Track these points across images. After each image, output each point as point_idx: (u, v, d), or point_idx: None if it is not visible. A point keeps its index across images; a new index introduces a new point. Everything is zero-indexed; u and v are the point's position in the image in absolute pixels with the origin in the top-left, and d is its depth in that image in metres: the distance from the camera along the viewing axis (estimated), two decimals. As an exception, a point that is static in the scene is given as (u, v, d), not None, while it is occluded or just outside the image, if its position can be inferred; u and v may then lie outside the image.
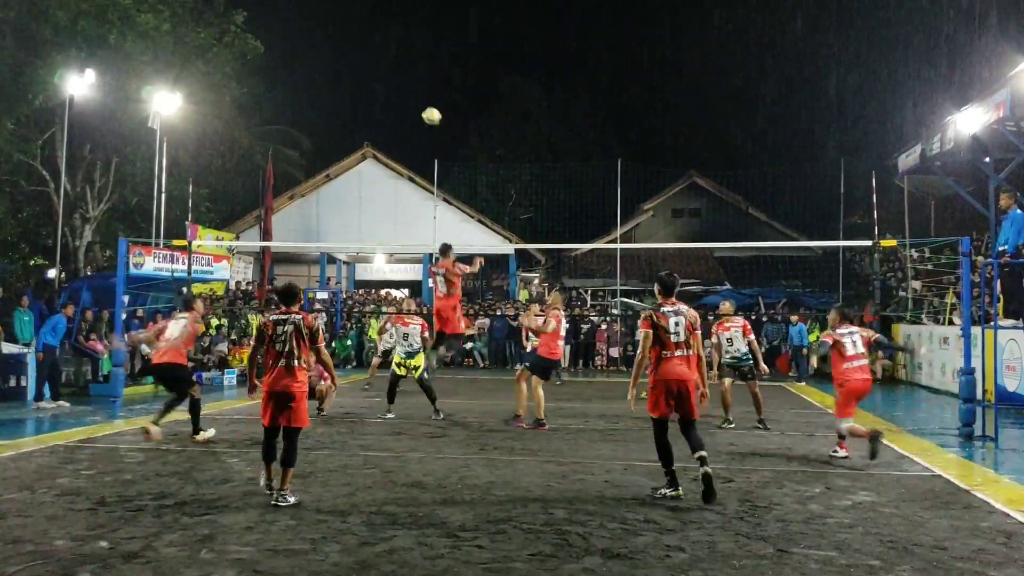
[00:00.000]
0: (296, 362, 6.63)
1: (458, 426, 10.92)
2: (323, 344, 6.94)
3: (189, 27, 22.20)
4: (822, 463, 8.45)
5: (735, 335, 11.33)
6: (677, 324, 6.74)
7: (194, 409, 9.69)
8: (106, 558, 5.00)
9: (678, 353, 6.72)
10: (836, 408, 8.75)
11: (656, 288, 7.06)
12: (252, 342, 7.34)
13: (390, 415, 11.65)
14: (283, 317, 6.75)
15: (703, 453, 6.67)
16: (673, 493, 6.73)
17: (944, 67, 27.39)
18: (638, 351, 6.95)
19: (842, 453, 8.69)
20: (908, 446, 9.62)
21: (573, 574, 4.81)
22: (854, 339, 8.62)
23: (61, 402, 13.16)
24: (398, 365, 11.78)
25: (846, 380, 8.52)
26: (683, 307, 6.92)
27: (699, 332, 6.88)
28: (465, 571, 4.83)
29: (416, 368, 11.70)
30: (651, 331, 6.73)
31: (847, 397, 8.53)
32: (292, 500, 6.36)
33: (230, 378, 17.41)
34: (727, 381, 11.45)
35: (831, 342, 8.65)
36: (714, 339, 11.44)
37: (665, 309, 6.81)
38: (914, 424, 11.91)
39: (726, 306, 12.04)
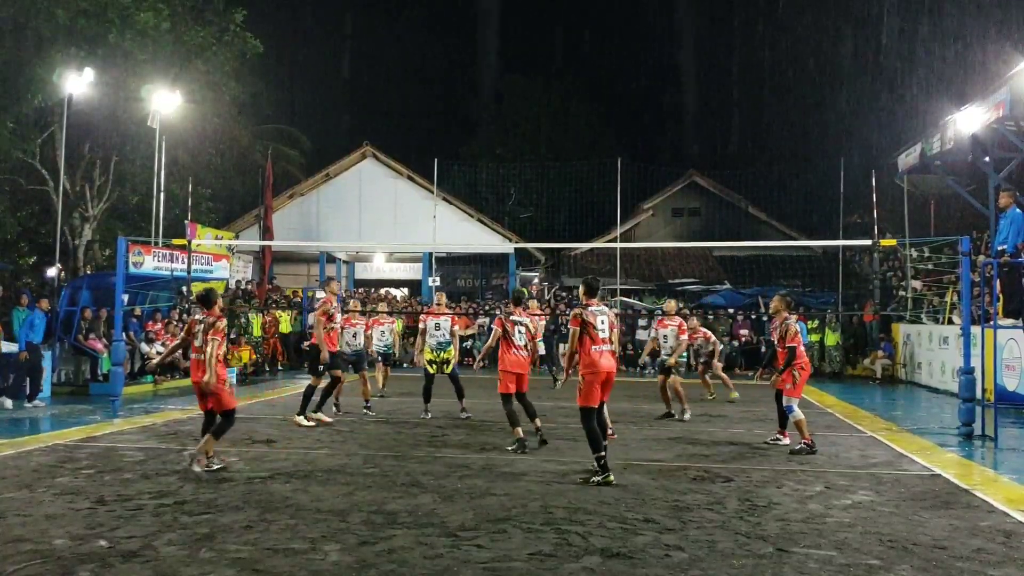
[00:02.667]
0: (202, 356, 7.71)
1: (458, 426, 10.91)
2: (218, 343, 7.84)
3: (188, 26, 22.14)
4: (822, 462, 8.45)
5: (670, 333, 12.14)
6: (602, 322, 7.57)
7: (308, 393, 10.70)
8: (105, 557, 5.00)
9: (605, 348, 7.54)
10: (791, 390, 9.27)
11: (582, 290, 7.85)
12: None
13: (428, 415, 11.64)
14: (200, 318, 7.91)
15: (607, 443, 7.71)
16: (604, 479, 7.21)
17: (944, 66, 27.38)
18: (568, 345, 7.70)
19: (784, 440, 9.53)
20: (908, 445, 9.63)
21: (573, 573, 4.81)
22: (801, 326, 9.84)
23: (37, 402, 13.07)
24: (430, 363, 11.84)
25: (806, 364, 9.57)
26: (604, 307, 7.83)
27: (616, 330, 7.75)
28: (465, 570, 4.83)
29: (447, 362, 11.83)
30: (579, 328, 7.49)
31: (804, 380, 9.44)
32: (198, 469, 7.36)
33: (229, 376, 17.34)
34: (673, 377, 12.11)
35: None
36: (653, 334, 12.43)
37: (592, 309, 7.61)
38: (914, 423, 11.91)
39: (670, 304, 12.75)
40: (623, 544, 5.37)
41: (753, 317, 22.54)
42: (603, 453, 7.32)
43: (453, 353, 11.95)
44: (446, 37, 57.80)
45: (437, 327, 11.87)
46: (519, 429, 9.01)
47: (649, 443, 9.70)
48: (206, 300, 7.95)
